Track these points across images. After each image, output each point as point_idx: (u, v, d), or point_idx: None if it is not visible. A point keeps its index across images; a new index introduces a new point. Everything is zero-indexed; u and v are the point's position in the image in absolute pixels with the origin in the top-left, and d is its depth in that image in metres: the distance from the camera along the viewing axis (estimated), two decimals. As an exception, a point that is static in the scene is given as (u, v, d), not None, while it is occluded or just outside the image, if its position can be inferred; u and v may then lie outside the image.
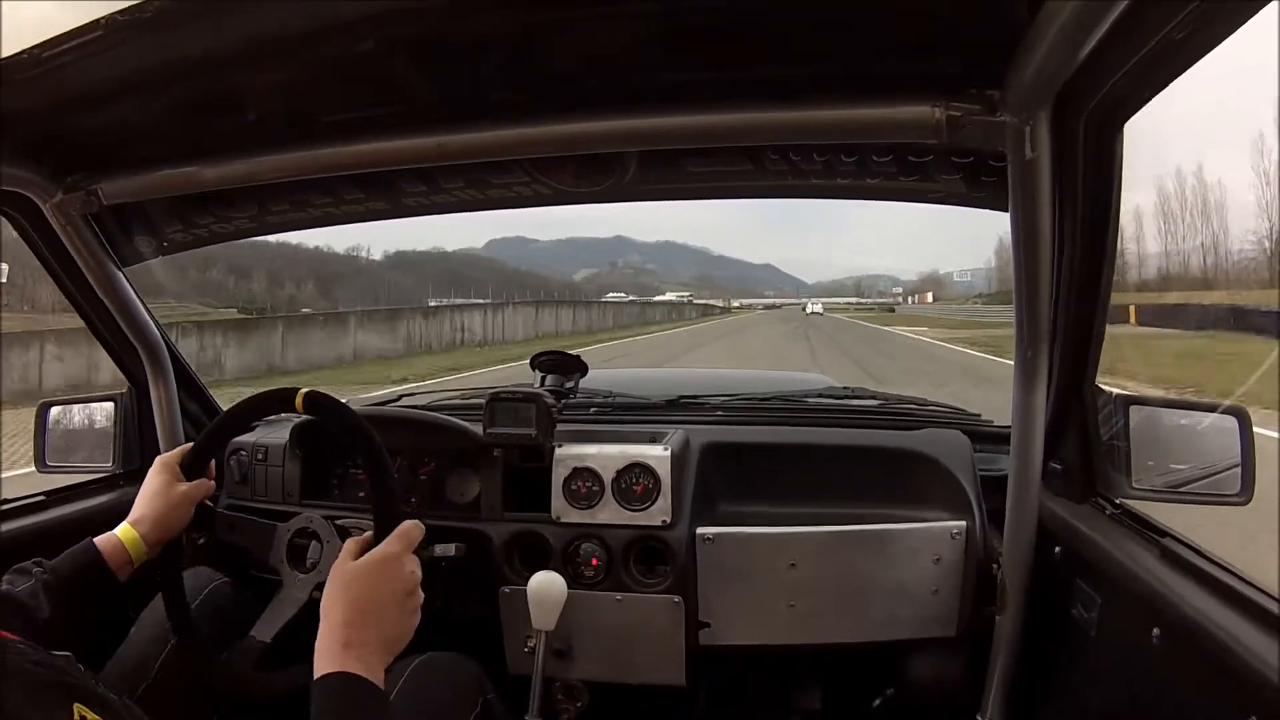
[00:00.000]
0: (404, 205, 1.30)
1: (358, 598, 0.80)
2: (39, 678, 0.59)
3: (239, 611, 1.15)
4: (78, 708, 0.57)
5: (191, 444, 1.13)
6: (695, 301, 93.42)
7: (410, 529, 0.88)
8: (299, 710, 1.02)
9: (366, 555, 0.84)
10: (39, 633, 0.81)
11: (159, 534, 1.04)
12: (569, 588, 1.25)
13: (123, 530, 1.02)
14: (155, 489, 1.06)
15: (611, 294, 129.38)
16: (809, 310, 77.80)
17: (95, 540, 1.01)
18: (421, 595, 0.86)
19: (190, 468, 1.10)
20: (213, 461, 1.16)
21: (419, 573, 0.86)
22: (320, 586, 1.10)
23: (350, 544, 0.87)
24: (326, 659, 0.75)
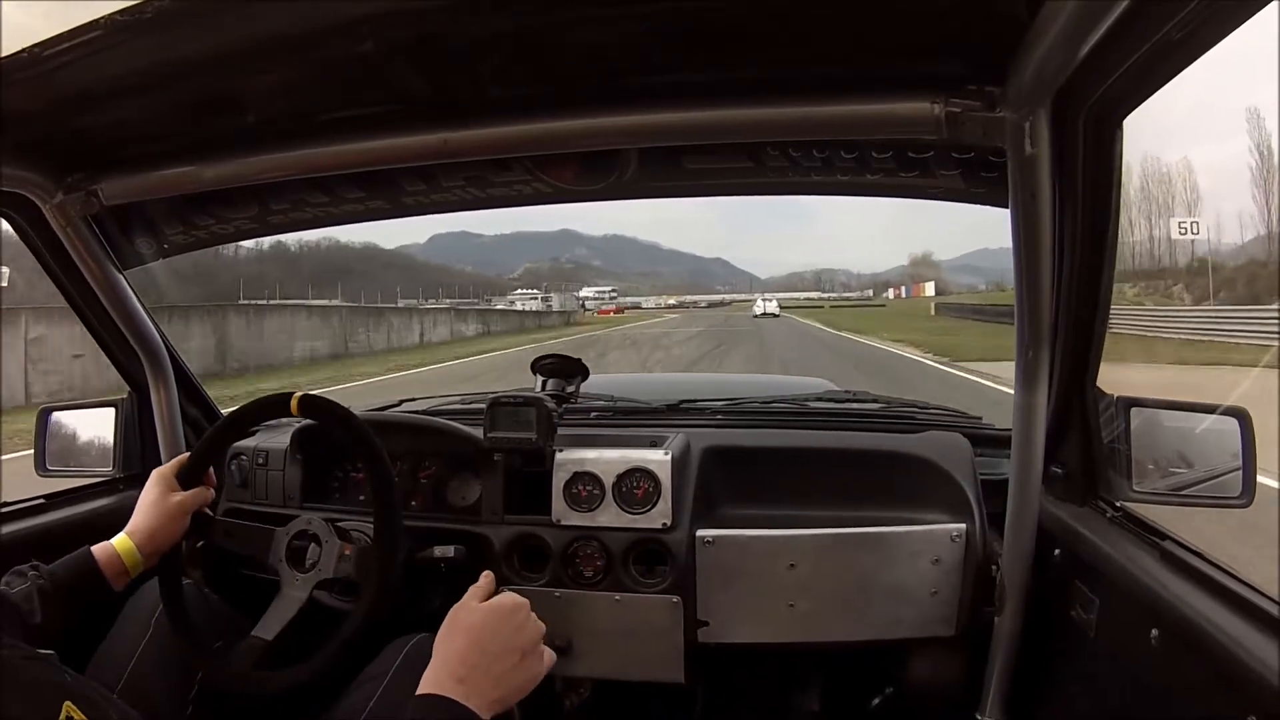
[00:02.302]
0: (403, 204, 1.30)
1: (479, 638, 0.82)
2: (31, 674, 0.59)
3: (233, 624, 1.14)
4: (67, 706, 0.57)
5: (188, 454, 1.13)
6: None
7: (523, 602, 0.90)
8: (298, 709, 1.02)
9: (493, 600, 0.88)
10: (30, 637, 0.82)
11: (155, 545, 1.05)
12: (567, 588, 1.25)
13: (119, 541, 1.03)
14: (151, 500, 1.08)
15: (520, 291, 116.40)
16: (760, 311, 54.66)
17: (92, 549, 1.01)
18: (543, 657, 0.87)
19: (187, 477, 1.11)
20: (211, 469, 1.16)
21: (541, 635, 0.88)
22: (320, 586, 1.10)
23: (475, 589, 0.90)
24: (434, 685, 0.76)
